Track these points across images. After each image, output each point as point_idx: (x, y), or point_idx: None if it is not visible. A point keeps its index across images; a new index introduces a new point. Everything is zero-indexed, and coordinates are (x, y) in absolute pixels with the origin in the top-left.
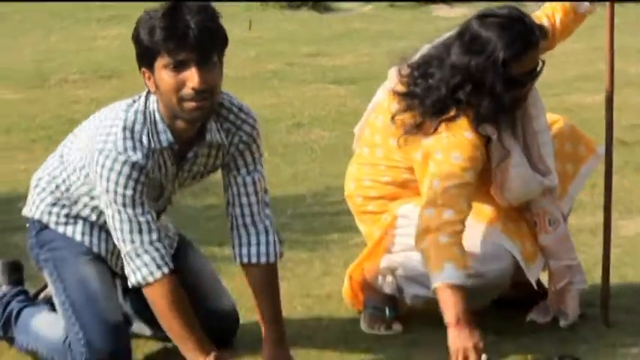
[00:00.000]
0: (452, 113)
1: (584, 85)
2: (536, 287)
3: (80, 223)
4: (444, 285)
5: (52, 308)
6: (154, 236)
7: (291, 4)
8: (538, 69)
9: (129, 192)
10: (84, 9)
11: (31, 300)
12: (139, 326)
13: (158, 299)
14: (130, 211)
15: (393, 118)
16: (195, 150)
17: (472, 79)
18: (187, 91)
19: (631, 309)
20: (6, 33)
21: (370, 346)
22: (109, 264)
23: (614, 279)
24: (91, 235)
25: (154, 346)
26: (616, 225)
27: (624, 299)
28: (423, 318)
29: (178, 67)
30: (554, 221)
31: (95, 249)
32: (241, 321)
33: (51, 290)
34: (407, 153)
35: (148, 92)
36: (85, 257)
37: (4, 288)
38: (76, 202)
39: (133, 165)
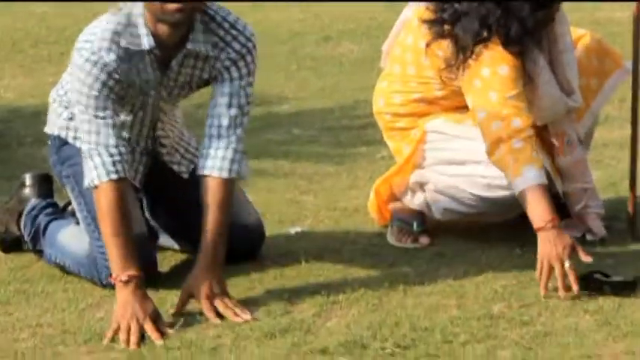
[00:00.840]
0: (484, 36)
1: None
2: (562, 200)
3: None
4: (528, 188)
5: (79, 222)
6: (111, 141)
7: None
8: None
9: (93, 93)
10: None
11: (60, 212)
12: (166, 240)
13: (99, 203)
14: (91, 111)
15: (427, 46)
16: (179, 58)
17: (500, 2)
18: None
19: None
20: None
21: (397, 259)
22: (128, 177)
23: None
24: None
25: (181, 257)
26: None
27: None
28: (450, 232)
29: None
30: (571, 143)
31: None
32: (267, 234)
33: (74, 206)
34: (451, 82)
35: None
36: None
37: (34, 201)
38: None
39: (104, 66)
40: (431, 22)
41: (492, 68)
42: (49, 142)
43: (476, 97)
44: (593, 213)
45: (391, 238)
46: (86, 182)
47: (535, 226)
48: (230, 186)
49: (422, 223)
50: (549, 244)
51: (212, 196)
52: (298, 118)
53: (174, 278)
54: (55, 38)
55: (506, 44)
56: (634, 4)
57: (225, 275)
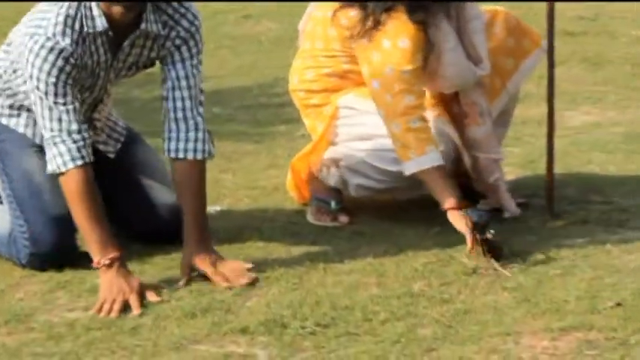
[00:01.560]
0: (390, 3)
1: None
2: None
3: (24, 114)
4: (432, 169)
5: (2, 201)
6: (74, 127)
7: None
8: None
9: (52, 79)
10: None
11: None
12: None
13: (69, 191)
14: (51, 98)
15: (334, 14)
16: (131, 39)
17: None
18: None
19: (575, 199)
20: None
21: (317, 237)
22: None
23: (558, 169)
24: (34, 126)
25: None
26: (562, 115)
27: (569, 189)
28: (369, 210)
29: None
30: (483, 113)
31: (38, 141)
32: None
33: None
34: (357, 51)
35: None
36: (29, 150)
37: None
38: (16, 94)
39: (60, 52)
40: None
41: (393, 40)
42: None
43: (371, 68)
44: (505, 190)
45: (310, 217)
46: (50, 168)
47: (443, 205)
48: (203, 166)
49: (340, 201)
50: (464, 219)
51: (189, 178)
52: (217, 97)
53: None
54: None
55: (412, 11)
56: None
57: (145, 255)
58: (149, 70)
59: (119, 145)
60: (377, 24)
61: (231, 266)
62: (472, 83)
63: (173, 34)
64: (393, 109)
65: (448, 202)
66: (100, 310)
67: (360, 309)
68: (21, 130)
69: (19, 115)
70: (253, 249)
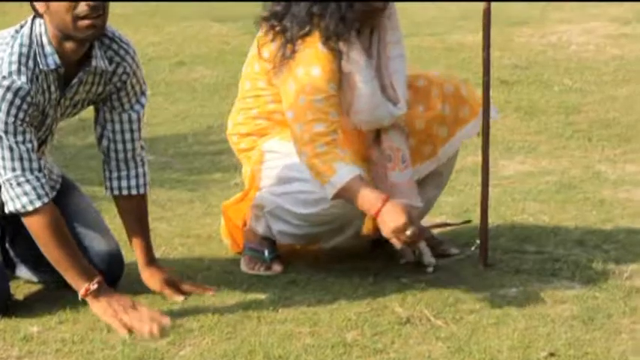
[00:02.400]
0: (307, 29)
1: (465, 24)
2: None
3: None
4: (349, 182)
5: None
6: (35, 165)
7: None
8: None
9: (11, 119)
10: None
11: None
12: (24, 272)
13: (39, 229)
14: (11, 138)
15: (259, 48)
16: (80, 76)
17: None
18: (82, 8)
19: (509, 249)
20: None
21: (250, 286)
22: None
23: (492, 219)
24: None
25: (35, 287)
26: (496, 165)
27: (502, 239)
28: (303, 259)
29: None
30: (405, 159)
31: None
32: (126, 261)
33: None
34: (279, 84)
35: (34, 17)
36: None
37: None
38: None
39: (17, 91)
40: (265, 17)
41: (306, 68)
42: None
43: (288, 99)
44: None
45: (244, 267)
46: (14, 208)
47: (371, 212)
48: (146, 197)
49: (273, 250)
50: (390, 222)
51: (136, 212)
52: (152, 145)
53: (29, 306)
54: None
55: (326, 38)
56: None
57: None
58: (83, 116)
59: (54, 193)
60: (293, 52)
61: (192, 285)
62: (388, 122)
63: (120, 69)
64: (301, 138)
65: (374, 207)
66: (124, 328)
67: (293, 359)
68: None
69: None
70: (187, 299)
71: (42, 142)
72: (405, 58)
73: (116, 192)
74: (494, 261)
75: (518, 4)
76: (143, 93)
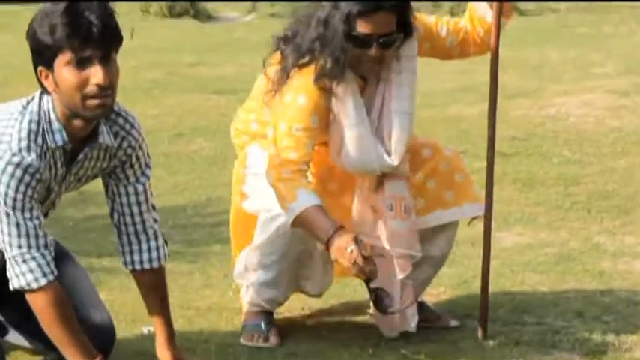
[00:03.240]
0: (306, 60)
1: (463, 97)
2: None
3: None
4: (307, 210)
5: None
6: (42, 242)
7: (172, 13)
8: (391, 37)
9: (19, 196)
10: None
11: None
12: (16, 337)
13: (42, 306)
14: (19, 214)
15: (264, 67)
16: (86, 152)
17: (325, 29)
18: (91, 87)
19: (508, 320)
20: None
21: (250, 359)
22: None
23: (491, 290)
24: None
25: (32, 357)
26: (494, 236)
27: (502, 310)
28: (302, 330)
29: (81, 64)
30: (408, 209)
31: None
32: (118, 335)
33: None
34: (270, 105)
35: (42, 92)
36: None
37: None
38: None
39: (27, 168)
40: (277, 38)
41: (294, 95)
42: None
43: (273, 119)
44: (411, 286)
45: (243, 339)
46: (18, 284)
47: (323, 239)
48: (163, 270)
49: (269, 321)
50: (339, 247)
51: (153, 285)
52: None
53: None
54: None
55: (319, 75)
56: (481, 100)
57: None
58: (82, 189)
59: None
60: (287, 78)
61: None
62: (377, 171)
63: (125, 144)
64: (272, 160)
65: (326, 235)
66: None
67: None
68: None
69: None
70: None
71: (44, 216)
72: (410, 116)
73: (130, 267)
74: (493, 332)
75: (514, 77)
76: (147, 165)
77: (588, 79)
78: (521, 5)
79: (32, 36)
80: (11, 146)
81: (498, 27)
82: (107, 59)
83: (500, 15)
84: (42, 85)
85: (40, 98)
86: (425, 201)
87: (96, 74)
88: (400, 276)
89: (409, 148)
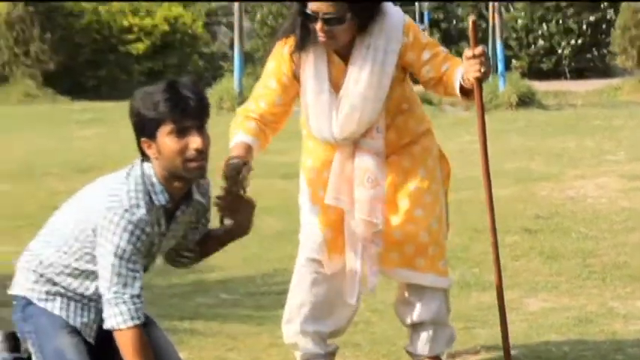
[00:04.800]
0: (280, 34)
1: (494, 181)
2: None
3: (58, 299)
4: (234, 144)
5: None
6: (136, 291)
7: None
8: (334, 15)
9: (129, 247)
10: (65, 112)
11: None
12: None
13: (126, 344)
14: (123, 264)
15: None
16: (182, 209)
17: (290, 10)
18: (191, 152)
19: None
20: None
21: None
22: (84, 335)
23: (519, 350)
24: (67, 310)
25: None
26: (522, 302)
27: None
28: None
29: (181, 133)
30: (371, 180)
31: (71, 322)
32: None
33: (34, 358)
34: None
35: (142, 160)
36: (62, 330)
37: (5, 354)
38: (54, 284)
39: (137, 223)
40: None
41: (268, 61)
42: (15, 302)
43: None
44: (374, 256)
45: None
46: (109, 325)
47: (225, 160)
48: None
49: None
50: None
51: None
52: (225, 285)
53: None
54: (15, 213)
55: (289, 47)
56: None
57: None
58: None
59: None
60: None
61: None
62: (331, 140)
63: (205, 200)
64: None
65: (228, 158)
66: None
67: None
68: (56, 312)
69: (54, 300)
70: None
71: (144, 269)
72: (364, 99)
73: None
74: None
75: (539, 164)
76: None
77: (602, 165)
78: (543, 100)
79: (136, 113)
80: (123, 204)
81: (483, 119)
82: (202, 128)
83: (481, 98)
84: (143, 154)
85: (141, 165)
86: (400, 258)
87: (195, 141)
88: (360, 239)
89: (412, 180)
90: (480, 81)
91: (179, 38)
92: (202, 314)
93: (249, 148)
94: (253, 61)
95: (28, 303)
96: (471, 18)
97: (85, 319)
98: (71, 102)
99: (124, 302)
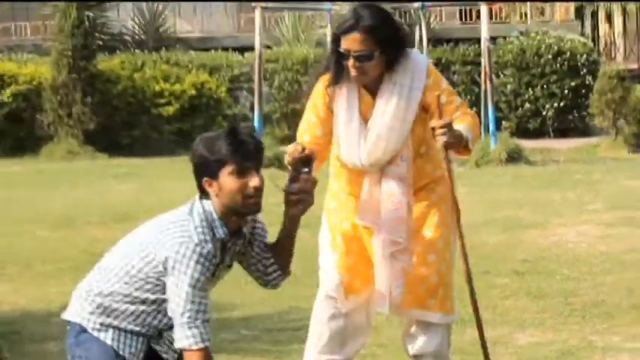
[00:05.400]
0: (319, 72)
1: (485, 229)
2: None
3: (111, 330)
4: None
5: None
6: (207, 317)
7: None
8: (363, 52)
9: (201, 278)
10: (103, 167)
11: None
12: None
13: None
14: (196, 292)
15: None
16: (234, 241)
17: (327, 49)
18: (250, 190)
19: None
20: (42, 185)
21: None
22: None
23: None
24: (118, 341)
25: None
26: (511, 337)
27: None
28: None
29: (242, 173)
30: (395, 203)
31: (121, 352)
32: None
33: None
34: None
35: (200, 198)
36: (112, 358)
37: None
38: (109, 315)
39: (207, 255)
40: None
41: (309, 100)
42: (69, 327)
43: None
44: (398, 272)
45: None
46: (181, 345)
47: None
48: None
49: None
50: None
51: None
52: (245, 322)
53: None
54: (58, 258)
55: (326, 83)
56: (498, 232)
57: None
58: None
59: (176, 355)
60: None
61: None
62: (359, 166)
63: (247, 230)
64: None
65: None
66: None
67: None
68: (109, 342)
69: (107, 331)
70: None
71: None
72: (389, 129)
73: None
74: None
75: (527, 213)
76: None
77: (583, 214)
78: (530, 157)
79: (198, 155)
80: (193, 239)
81: (452, 181)
82: (259, 169)
83: (450, 170)
84: (203, 192)
85: (201, 202)
86: (413, 299)
87: (253, 180)
88: (387, 252)
89: (428, 227)
90: (446, 148)
91: (205, 102)
92: (225, 348)
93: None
94: (271, 122)
95: (82, 330)
96: (435, 94)
97: (134, 350)
98: (109, 158)
99: (197, 327)
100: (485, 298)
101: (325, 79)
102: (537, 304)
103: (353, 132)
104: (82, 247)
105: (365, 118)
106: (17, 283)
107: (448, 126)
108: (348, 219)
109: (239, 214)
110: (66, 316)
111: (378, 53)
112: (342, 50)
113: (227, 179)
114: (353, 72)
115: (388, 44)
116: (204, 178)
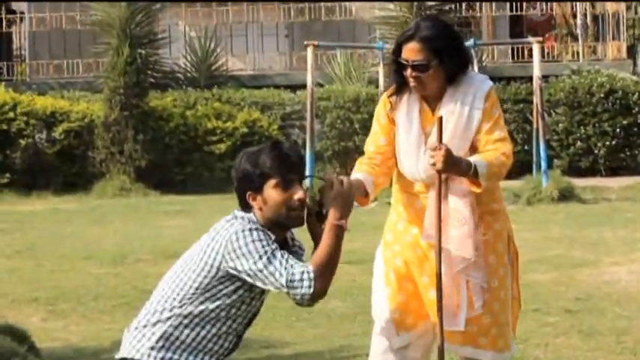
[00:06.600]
0: (387, 83)
1: (537, 267)
2: None
3: None
4: (352, 179)
5: None
6: (301, 269)
7: None
8: (421, 62)
9: (271, 247)
10: (155, 204)
11: None
12: None
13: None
14: (276, 262)
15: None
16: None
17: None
18: (294, 203)
19: None
20: (93, 222)
21: None
22: None
23: None
24: None
25: None
26: None
27: None
28: None
29: (287, 185)
30: (460, 220)
31: None
32: None
33: None
34: None
35: (242, 212)
36: None
37: None
38: (168, 348)
39: (257, 229)
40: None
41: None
42: None
43: None
44: (471, 282)
45: None
46: (299, 299)
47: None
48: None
49: None
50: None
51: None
52: (297, 359)
53: None
54: (110, 294)
55: (388, 93)
56: (551, 269)
57: None
58: None
59: None
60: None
61: None
62: (417, 178)
63: (289, 242)
64: None
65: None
66: None
67: None
68: None
69: None
70: None
71: (253, 316)
72: (454, 149)
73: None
74: None
75: (579, 251)
76: None
77: (634, 252)
78: (582, 195)
79: (242, 170)
80: (245, 226)
81: (439, 218)
82: (302, 182)
83: (440, 186)
84: (246, 206)
85: (242, 217)
86: (464, 337)
87: (297, 192)
88: (455, 270)
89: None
90: (439, 172)
91: (257, 139)
92: None
93: (358, 180)
94: (323, 160)
95: None
96: (438, 115)
97: None
98: (160, 196)
99: (298, 285)
100: (537, 336)
101: (390, 89)
102: (589, 342)
103: (412, 141)
104: (133, 284)
105: (425, 132)
106: (69, 320)
107: (444, 151)
108: (401, 255)
109: (282, 227)
110: (121, 354)
111: (436, 64)
112: (401, 60)
113: (271, 192)
114: (411, 81)
115: (446, 55)
116: (248, 192)
